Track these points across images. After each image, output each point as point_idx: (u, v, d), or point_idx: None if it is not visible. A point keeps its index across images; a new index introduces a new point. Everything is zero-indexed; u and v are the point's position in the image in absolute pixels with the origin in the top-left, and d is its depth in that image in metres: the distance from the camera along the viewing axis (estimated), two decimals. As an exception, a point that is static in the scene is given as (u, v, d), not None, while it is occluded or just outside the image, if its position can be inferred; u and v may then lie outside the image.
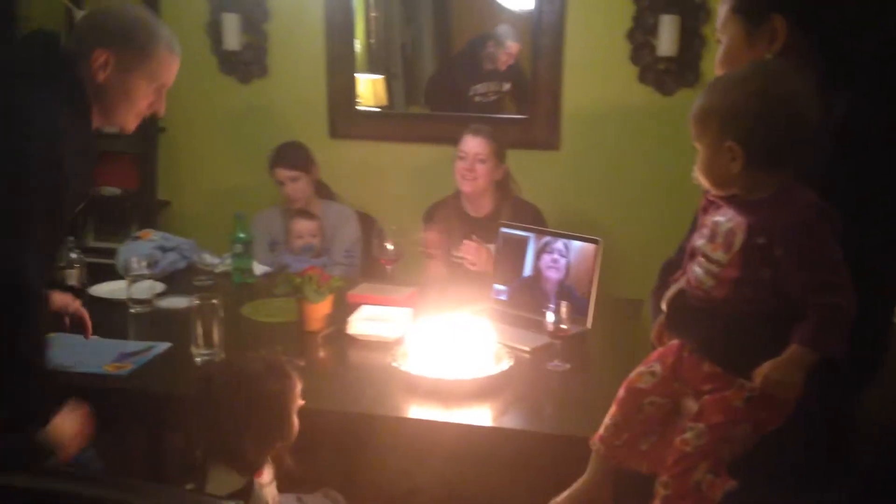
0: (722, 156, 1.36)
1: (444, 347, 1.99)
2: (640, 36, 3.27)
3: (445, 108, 3.73)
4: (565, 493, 1.65)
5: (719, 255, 1.38)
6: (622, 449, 1.56)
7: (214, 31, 3.58)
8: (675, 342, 1.53)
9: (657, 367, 1.53)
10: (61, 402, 1.61)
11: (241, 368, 1.56)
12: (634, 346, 2.32)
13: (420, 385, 1.95)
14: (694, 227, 1.53)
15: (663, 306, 1.54)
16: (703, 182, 1.43)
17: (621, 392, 1.57)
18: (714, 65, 1.50)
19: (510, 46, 3.56)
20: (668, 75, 3.28)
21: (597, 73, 3.36)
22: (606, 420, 1.58)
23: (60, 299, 2.00)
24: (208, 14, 3.58)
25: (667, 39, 3.20)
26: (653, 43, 3.25)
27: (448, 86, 3.75)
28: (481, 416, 1.86)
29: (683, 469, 1.40)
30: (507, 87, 3.62)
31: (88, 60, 1.69)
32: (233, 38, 3.52)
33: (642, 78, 3.30)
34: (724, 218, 1.40)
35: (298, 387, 1.58)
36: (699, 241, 1.44)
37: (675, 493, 1.41)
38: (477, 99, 3.64)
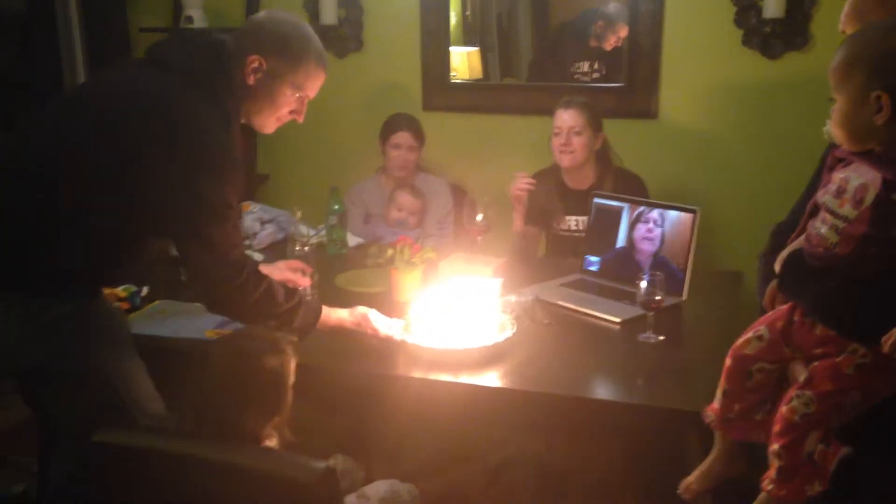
0: (866, 107, 1.29)
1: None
2: (745, -3, 3.12)
3: (547, 80, 3.65)
4: (696, 472, 1.64)
5: (847, 210, 1.32)
6: (736, 421, 1.53)
7: (312, 6, 3.63)
8: (785, 306, 1.47)
9: (765, 332, 1.48)
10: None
11: (238, 346, 1.58)
12: (732, 319, 2.24)
13: (513, 357, 1.94)
14: (811, 188, 1.47)
15: (777, 267, 1.48)
16: (838, 136, 1.36)
17: (728, 360, 1.53)
18: (826, 26, 1.43)
19: (620, 28, 3.46)
20: (774, 38, 3.12)
21: (698, 38, 3.23)
22: (718, 392, 1.55)
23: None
24: (306, -10, 3.64)
25: (774, 1, 3.04)
26: (759, 5, 3.09)
27: (552, 59, 3.67)
28: (571, 386, 1.83)
29: (793, 439, 1.37)
30: (604, 68, 3.51)
31: (243, 62, 1.76)
32: (330, 12, 3.56)
33: (746, 41, 3.15)
34: (855, 174, 1.33)
35: (294, 363, 1.59)
36: (824, 197, 1.38)
37: (789, 464, 1.38)
38: (577, 76, 3.56)
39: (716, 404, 1.54)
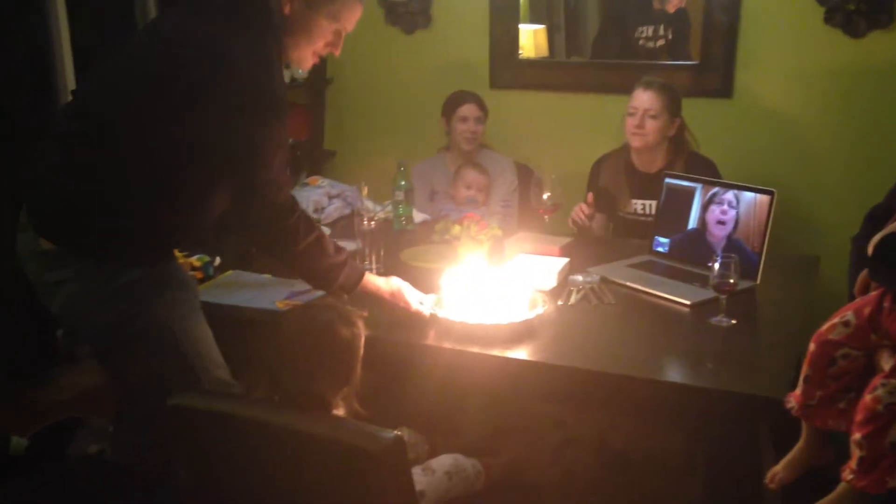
0: None
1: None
2: (829, -26, 3.01)
3: (612, 51, 3.59)
4: (783, 461, 1.62)
5: None
6: (818, 408, 1.49)
7: (382, -19, 3.63)
8: (875, 292, 1.43)
9: (851, 318, 1.44)
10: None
11: (313, 316, 1.61)
12: (808, 304, 2.18)
13: (577, 335, 1.92)
14: None
15: (870, 250, 1.44)
16: None
17: (811, 346, 1.49)
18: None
19: None
20: (858, 16, 3.00)
21: (777, 15, 3.13)
22: (800, 378, 1.51)
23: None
24: (376, -35, 3.64)
25: (860, -24, 2.93)
26: (843, -20, 2.98)
27: (616, 26, 3.60)
28: (637, 367, 1.81)
29: (875, 428, 1.33)
30: (671, 33, 3.43)
31: None
32: (399, -12, 3.56)
33: (828, 19, 3.04)
34: None
35: (363, 335, 1.61)
36: None
37: (871, 455, 1.34)
38: (641, 43, 3.48)
39: (797, 391, 1.50)
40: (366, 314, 1.66)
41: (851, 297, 1.53)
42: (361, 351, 1.61)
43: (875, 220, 1.55)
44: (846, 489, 1.39)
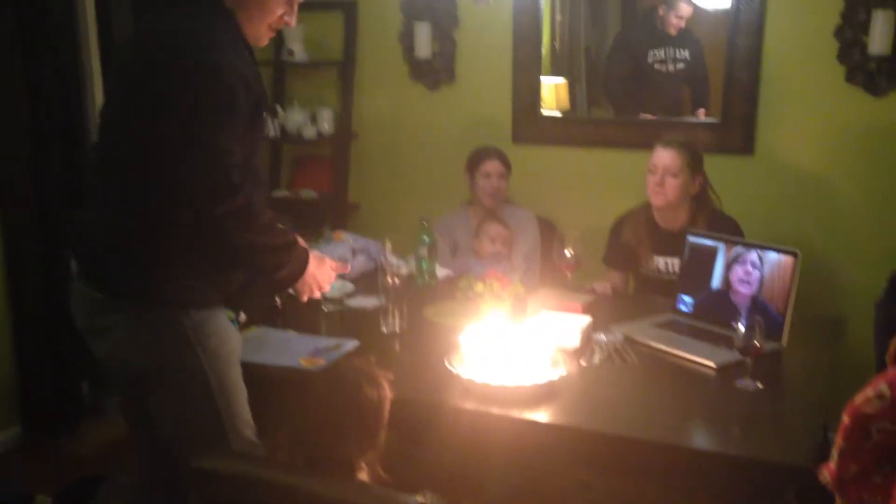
0: None
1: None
2: (850, 33, 3.03)
3: (627, 76, 3.65)
4: None
5: None
6: (853, 483, 1.45)
7: (407, 39, 3.70)
8: None
9: (886, 390, 1.41)
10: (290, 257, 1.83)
11: (341, 378, 1.60)
12: (835, 367, 2.16)
13: (600, 396, 1.91)
14: None
15: None
16: None
17: (845, 419, 1.45)
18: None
19: (680, 8, 3.44)
20: (880, 75, 3.02)
21: (799, 74, 3.15)
22: (833, 451, 1.48)
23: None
24: (401, 24, 3.71)
25: (880, 36, 2.94)
26: (864, 40, 3.00)
27: (628, 51, 3.67)
28: (662, 431, 1.79)
29: None
30: (684, 54, 3.48)
31: None
32: (424, 46, 3.63)
33: (850, 78, 3.06)
34: None
35: (389, 398, 1.59)
36: None
37: None
38: (657, 66, 3.53)
39: (831, 463, 1.47)
40: (392, 376, 1.66)
41: (880, 365, 1.51)
42: (387, 414, 1.60)
43: None
44: None
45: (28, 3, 3.03)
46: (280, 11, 1.82)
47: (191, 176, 1.62)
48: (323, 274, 1.97)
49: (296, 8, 1.86)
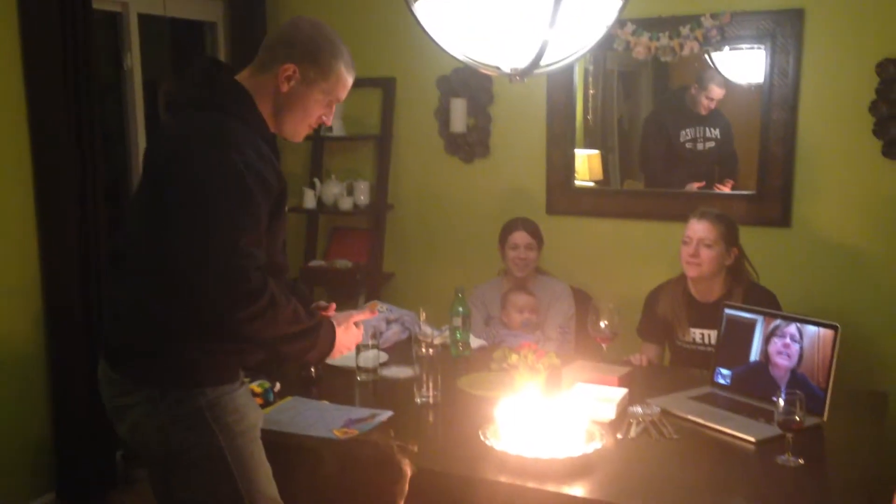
0: None
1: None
2: (885, 108, 3.04)
3: (660, 154, 3.70)
4: None
5: None
6: None
7: (443, 115, 3.79)
8: None
9: None
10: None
11: (350, 452, 1.54)
12: (879, 443, 2.10)
13: (637, 472, 1.87)
14: None
15: None
16: None
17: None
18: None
19: (712, 90, 3.47)
20: (916, 148, 3.02)
21: (834, 147, 3.16)
22: None
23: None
24: (438, 100, 3.81)
25: (915, 110, 2.96)
26: (899, 115, 3.02)
27: (661, 131, 3.73)
28: (702, 509, 1.75)
29: None
30: (715, 133, 3.52)
31: (277, 71, 1.82)
32: (459, 121, 3.71)
33: (887, 152, 3.06)
34: None
35: (407, 477, 1.54)
36: None
37: None
38: (688, 146, 3.56)
39: None
40: (416, 448, 1.62)
41: None
42: (403, 493, 1.56)
43: None
44: None
45: (76, 66, 3.15)
46: (320, 112, 1.90)
47: (212, 281, 1.62)
48: (349, 338, 1.98)
49: (334, 108, 1.94)
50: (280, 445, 2.08)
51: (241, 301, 1.63)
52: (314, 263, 4.02)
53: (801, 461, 1.91)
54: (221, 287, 1.62)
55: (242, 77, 1.84)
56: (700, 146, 3.57)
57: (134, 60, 3.49)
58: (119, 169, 3.63)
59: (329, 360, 2.67)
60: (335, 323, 1.92)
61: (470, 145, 3.78)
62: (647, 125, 3.81)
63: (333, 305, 2.11)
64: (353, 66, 1.91)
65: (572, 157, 3.68)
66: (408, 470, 1.57)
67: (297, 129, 1.90)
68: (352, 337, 1.98)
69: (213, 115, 1.76)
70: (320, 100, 1.87)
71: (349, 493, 1.49)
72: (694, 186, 3.55)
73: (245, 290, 1.64)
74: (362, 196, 3.90)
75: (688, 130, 3.58)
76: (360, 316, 2.01)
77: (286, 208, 1.87)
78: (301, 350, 1.83)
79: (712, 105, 3.52)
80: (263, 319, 1.67)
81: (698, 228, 2.76)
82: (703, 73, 3.49)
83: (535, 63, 1.90)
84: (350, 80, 1.92)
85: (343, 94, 1.92)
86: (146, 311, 1.76)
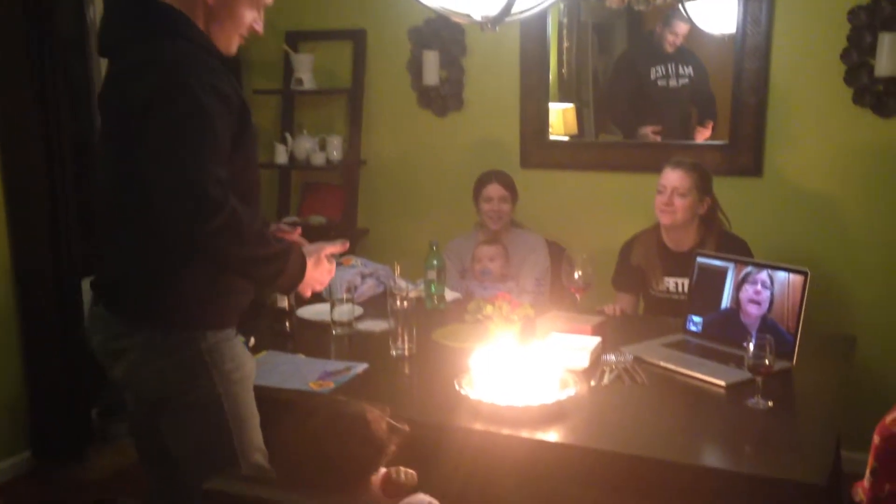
0: None
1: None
2: (856, 56, 3.04)
3: (631, 94, 3.69)
4: None
5: None
6: (888, 501, 1.43)
7: (415, 67, 3.74)
8: None
9: None
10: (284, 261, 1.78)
11: (337, 419, 1.54)
12: (846, 385, 2.15)
13: (611, 417, 1.90)
14: None
15: None
16: None
17: (876, 439, 1.44)
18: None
19: (676, 25, 3.49)
20: (887, 97, 3.02)
21: (806, 96, 3.16)
22: (866, 470, 1.46)
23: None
24: (410, 53, 3.75)
25: (887, 59, 2.95)
26: (870, 63, 3.02)
27: (631, 70, 3.73)
28: (674, 450, 1.78)
29: None
30: (687, 70, 3.53)
31: None
32: (432, 73, 3.66)
33: (858, 100, 3.07)
34: None
35: (390, 455, 1.55)
36: None
37: None
38: (660, 83, 3.56)
39: (865, 483, 1.45)
40: (407, 429, 1.60)
41: None
42: (378, 470, 1.57)
43: None
44: None
45: (38, 19, 3.07)
46: (250, 18, 1.83)
47: (172, 200, 1.62)
48: (321, 272, 1.94)
49: (263, 13, 1.87)
50: (256, 398, 2.08)
51: (201, 213, 1.61)
52: (288, 220, 3.98)
53: (770, 404, 1.95)
54: (179, 202, 1.60)
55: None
56: (672, 83, 3.58)
57: (97, 12, 3.40)
58: (87, 123, 3.55)
59: (304, 315, 2.71)
60: (306, 254, 1.88)
61: (443, 98, 3.74)
62: (618, 64, 3.82)
63: (299, 230, 2.09)
64: None
65: (546, 110, 3.65)
66: (394, 448, 1.57)
67: (230, 40, 1.83)
68: (323, 271, 1.94)
69: (154, 43, 1.71)
70: (247, 5, 1.80)
71: (327, 459, 1.49)
72: (658, 129, 3.55)
73: (206, 203, 1.61)
74: (335, 151, 3.86)
75: (658, 68, 3.58)
76: (332, 249, 1.97)
77: (254, 128, 1.81)
78: (272, 274, 1.78)
79: (677, 41, 3.52)
80: (229, 233, 1.64)
81: (672, 177, 2.77)
82: (669, 13, 3.48)
83: (507, 10, 1.88)
84: None
85: None
86: (129, 242, 1.75)
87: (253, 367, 1.88)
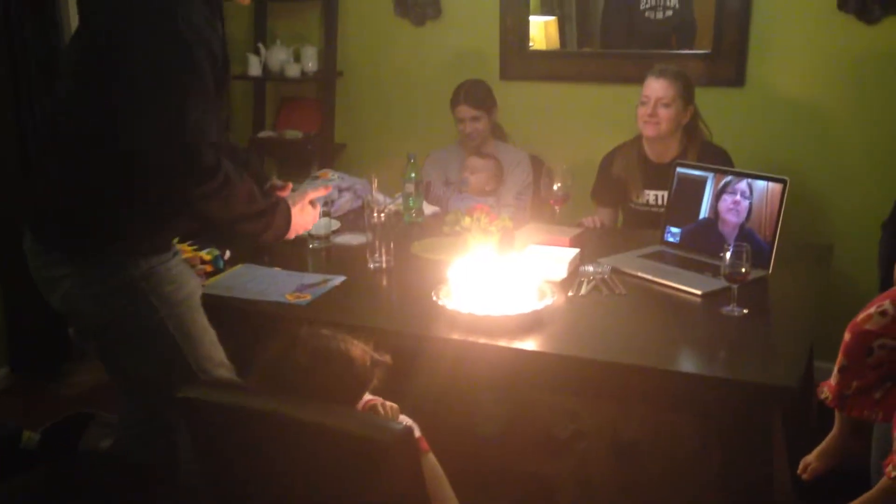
0: None
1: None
2: (842, -41, 2.97)
3: (619, 29, 3.58)
4: (815, 451, 1.60)
5: None
6: (854, 398, 1.47)
7: (391, -27, 3.62)
8: None
9: (889, 307, 1.41)
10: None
11: (320, 351, 1.52)
12: (822, 293, 2.16)
13: (588, 325, 1.91)
14: None
15: None
16: None
17: (846, 336, 1.47)
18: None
19: None
20: (872, 3, 2.95)
21: (790, 3, 3.09)
22: (834, 368, 1.49)
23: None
24: (386, -43, 3.63)
25: (873, -38, 2.88)
26: (856, -34, 2.94)
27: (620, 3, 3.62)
28: (649, 357, 1.80)
29: None
30: (673, 1, 3.44)
31: None
32: (409, -21, 3.54)
33: (842, 5, 3.00)
34: None
35: (369, 386, 1.56)
36: None
37: None
38: (647, 14, 3.48)
39: (832, 381, 1.48)
40: (389, 361, 1.59)
41: (884, 284, 1.51)
42: (362, 399, 1.58)
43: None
44: (888, 485, 1.36)
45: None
46: None
47: (164, 158, 1.57)
48: (305, 218, 2.00)
49: None
50: (232, 311, 2.07)
51: (195, 179, 1.60)
52: (263, 134, 3.91)
53: (745, 311, 1.96)
54: (174, 166, 1.58)
55: None
56: (660, 14, 3.48)
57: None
58: (53, 39, 3.40)
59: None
60: (290, 203, 1.91)
61: (420, 6, 3.62)
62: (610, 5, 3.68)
63: (290, 185, 2.08)
64: None
65: (527, 21, 3.55)
66: (376, 381, 1.58)
67: None
68: (307, 216, 1.99)
69: None
70: None
71: (311, 392, 1.49)
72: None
73: (198, 167, 1.60)
74: (310, 62, 3.76)
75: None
76: (316, 193, 2.01)
77: (229, 79, 1.77)
78: (256, 230, 1.83)
79: None
80: (218, 198, 1.65)
81: (656, 87, 2.72)
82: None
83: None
84: None
85: None
86: (84, 180, 1.69)
87: (197, 284, 1.87)
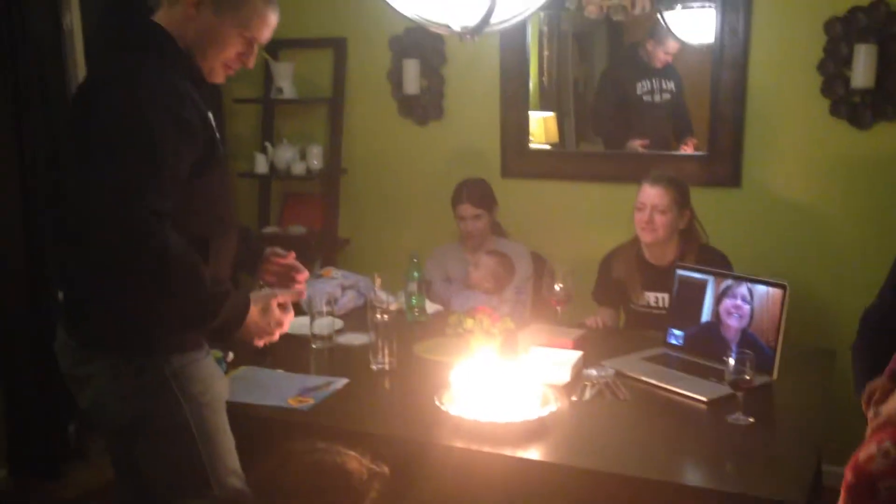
0: None
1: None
2: (833, 67, 3.06)
3: (616, 109, 3.70)
4: None
5: None
6: None
7: (395, 77, 3.73)
8: None
9: (890, 447, 1.37)
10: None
11: (316, 468, 1.50)
12: (827, 399, 2.15)
13: (592, 434, 1.89)
14: None
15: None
16: None
17: (849, 476, 1.41)
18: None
19: (669, 45, 3.49)
20: (864, 108, 3.05)
21: (783, 107, 3.18)
22: None
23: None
24: (390, 61, 3.74)
25: (863, 70, 2.97)
26: (846, 74, 3.04)
27: (616, 84, 3.72)
28: (655, 468, 1.78)
29: None
30: (670, 85, 3.54)
31: (186, 1, 1.69)
32: (412, 82, 3.65)
33: (835, 111, 3.09)
34: None
35: (365, 498, 1.52)
36: None
37: None
38: (646, 98, 3.57)
39: None
40: (387, 472, 1.57)
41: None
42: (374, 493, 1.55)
43: (869, 322, 1.47)
44: None
45: (11, 22, 3.01)
46: (237, 50, 1.77)
47: (96, 224, 1.54)
48: (268, 321, 1.80)
49: (255, 49, 1.80)
50: (234, 415, 2.05)
51: (124, 242, 1.53)
52: (268, 230, 3.96)
53: (751, 419, 1.95)
54: (102, 227, 1.54)
55: (159, 15, 1.73)
56: (657, 98, 3.59)
57: (74, 20, 3.35)
58: (60, 129, 3.49)
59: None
60: (253, 300, 1.76)
61: (423, 107, 3.72)
62: (604, 79, 3.80)
63: (292, 254, 2.06)
64: (275, 2, 1.77)
65: (527, 119, 3.65)
66: (375, 495, 1.54)
67: (213, 66, 1.76)
68: (271, 319, 1.80)
69: (128, 55, 1.67)
70: (235, 35, 1.73)
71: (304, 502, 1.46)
72: (646, 143, 3.56)
73: (127, 232, 1.53)
74: (315, 160, 3.84)
75: (645, 82, 3.58)
76: (284, 297, 1.85)
77: (220, 155, 1.75)
78: (198, 316, 1.67)
79: (669, 59, 3.53)
80: (151, 268, 1.55)
81: (652, 194, 2.76)
82: (654, 27, 3.48)
83: (485, 21, 1.86)
84: (270, 16, 1.77)
85: (262, 33, 1.78)
86: (80, 263, 1.70)
87: (224, 387, 1.84)
